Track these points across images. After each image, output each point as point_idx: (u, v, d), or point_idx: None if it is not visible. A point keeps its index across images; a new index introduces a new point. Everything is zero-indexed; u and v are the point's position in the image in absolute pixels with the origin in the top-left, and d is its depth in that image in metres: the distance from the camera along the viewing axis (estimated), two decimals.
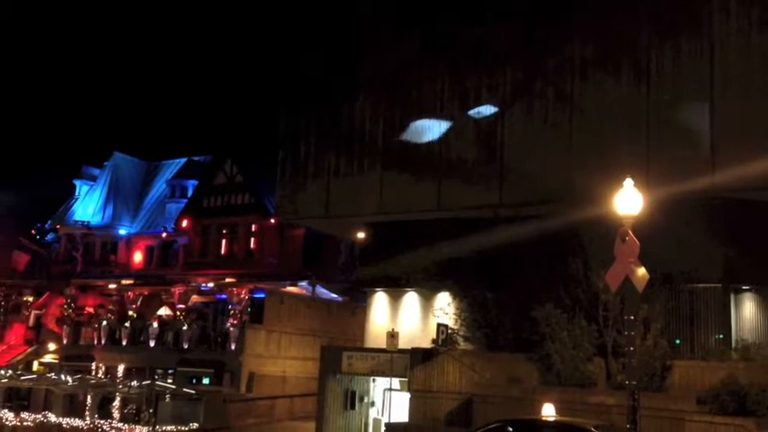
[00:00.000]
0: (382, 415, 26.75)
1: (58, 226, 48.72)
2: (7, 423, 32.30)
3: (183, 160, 49.60)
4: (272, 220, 39.76)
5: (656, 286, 20.47)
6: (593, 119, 24.77)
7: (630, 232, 12.70)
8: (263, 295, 34.90)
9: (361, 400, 28.03)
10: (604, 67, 24.77)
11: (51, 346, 40.17)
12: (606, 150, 24.19)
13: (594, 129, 24.67)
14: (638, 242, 12.71)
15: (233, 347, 33.52)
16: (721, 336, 22.85)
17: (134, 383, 30.87)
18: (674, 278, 22.10)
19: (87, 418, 31.76)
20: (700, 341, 23.01)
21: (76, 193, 51.01)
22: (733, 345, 22.47)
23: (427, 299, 28.58)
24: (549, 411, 17.50)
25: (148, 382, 30.70)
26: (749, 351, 21.47)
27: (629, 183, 13.06)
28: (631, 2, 24.55)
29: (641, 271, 12.74)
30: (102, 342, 37.84)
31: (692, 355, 22.43)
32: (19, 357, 41.07)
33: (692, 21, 23.51)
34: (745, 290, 23.79)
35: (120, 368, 36.34)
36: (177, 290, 37.12)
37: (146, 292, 39.11)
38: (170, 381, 32.79)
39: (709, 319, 23.20)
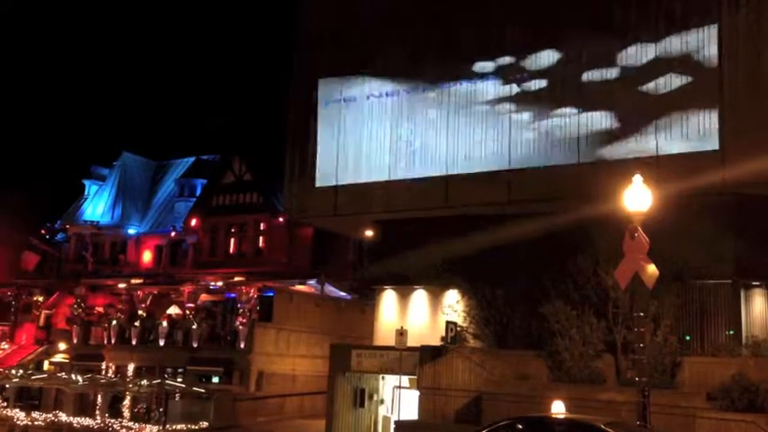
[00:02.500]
0: (391, 413, 26.75)
1: (67, 226, 48.89)
2: (18, 422, 32.48)
3: (192, 159, 49.70)
4: (281, 219, 39.80)
5: (666, 282, 20.35)
6: (601, 114, 24.68)
7: (640, 229, 12.64)
8: (272, 294, 34.96)
9: (371, 397, 28.03)
10: (612, 60, 24.68)
11: (62, 346, 40.35)
12: (615, 146, 24.14)
13: (603, 124, 24.60)
14: (647, 239, 12.66)
15: (242, 346, 33.59)
16: (732, 332, 22.74)
17: (144, 382, 30.98)
18: (683, 274, 21.98)
19: (98, 418, 31.89)
20: (710, 337, 22.90)
21: (86, 193, 51.17)
22: (743, 341, 22.35)
23: (436, 296, 28.55)
24: (558, 408, 17.45)
25: (158, 381, 30.82)
26: (760, 347, 21.34)
27: (638, 179, 12.99)
28: None
29: (651, 268, 12.69)
30: (112, 341, 38.00)
31: (703, 351, 22.33)
32: (30, 357, 41.27)
33: (701, 12, 23.37)
34: (756, 285, 23.65)
35: (130, 367, 36.48)
36: (186, 289, 37.20)
37: (155, 292, 39.22)
38: (180, 379, 32.91)
39: (719, 315, 23.08)
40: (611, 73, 24.63)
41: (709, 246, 22.03)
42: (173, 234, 45.49)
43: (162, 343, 36.35)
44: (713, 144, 22.70)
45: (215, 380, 33.55)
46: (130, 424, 30.65)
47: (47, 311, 43.86)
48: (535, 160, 25.41)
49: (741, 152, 21.65)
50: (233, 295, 36.54)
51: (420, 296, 29.17)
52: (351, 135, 29.90)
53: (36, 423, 32.37)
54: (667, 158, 23.07)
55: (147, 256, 47.32)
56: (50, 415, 33.01)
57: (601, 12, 25.03)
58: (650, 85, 23.89)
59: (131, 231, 47.77)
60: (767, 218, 22.38)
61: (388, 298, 30.01)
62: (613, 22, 24.75)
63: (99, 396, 33.29)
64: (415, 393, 23.98)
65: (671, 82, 23.61)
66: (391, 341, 25.37)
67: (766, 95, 22.05)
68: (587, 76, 25.08)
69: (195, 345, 35.09)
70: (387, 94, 29.20)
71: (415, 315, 28.95)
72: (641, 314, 13.13)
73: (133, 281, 40.40)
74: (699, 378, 20.00)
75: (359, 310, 36.56)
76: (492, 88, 26.94)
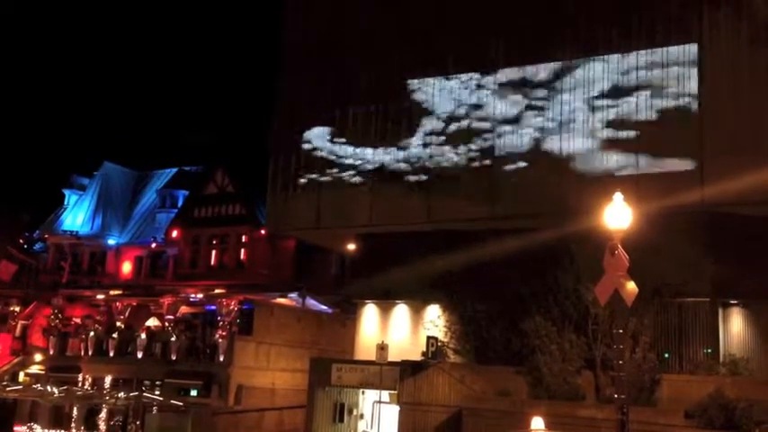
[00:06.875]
0: (371, 428, 26.63)
1: (46, 235, 48.36)
2: None
3: (174, 170, 49.40)
4: (263, 231, 39.61)
5: (645, 300, 20.53)
6: (583, 132, 24.92)
7: (620, 246, 12.73)
8: (252, 307, 34.72)
9: (351, 412, 27.90)
10: (594, 77, 24.93)
11: (38, 357, 39.75)
12: (597, 164, 24.35)
13: (584, 142, 24.83)
14: (627, 256, 12.75)
15: (222, 359, 33.28)
16: (709, 350, 22.94)
17: (121, 395, 30.59)
18: (663, 292, 22.17)
19: (73, 430, 31.44)
20: (688, 355, 23.10)
21: (65, 203, 50.69)
22: (721, 359, 22.56)
23: (417, 311, 28.54)
24: (537, 425, 17.45)
25: (135, 393, 30.45)
26: (737, 365, 21.55)
27: (618, 197, 13.10)
28: (624, 14, 24.74)
29: (630, 285, 12.75)
30: (90, 353, 37.49)
31: (681, 369, 22.52)
32: (5, 368, 40.60)
33: (683, 35, 23.73)
34: (733, 304, 23.90)
35: (107, 379, 35.97)
36: (166, 301, 36.82)
37: (134, 303, 38.78)
38: (157, 392, 32.50)
39: (697, 333, 23.29)
40: (593, 91, 24.90)
41: (688, 264, 22.25)
42: (153, 245, 45.13)
43: (140, 355, 35.91)
44: (692, 164, 22.99)
45: (193, 393, 33.15)
46: None
47: (23, 322, 43.21)
48: (518, 176, 25.56)
49: (719, 172, 21.96)
50: (213, 308, 36.22)
51: (401, 311, 29.14)
52: (334, 149, 29.91)
53: None
54: (647, 177, 23.32)
55: (126, 267, 46.90)
56: (25, 427, 32.49)
57: (584, 30, 25.34)
58: (631, 105, 24.18)
59: (111, 242, 47.34)
60: (745, 237, 22.66)
61: (370, 312, 29.95)
62: (596, 41, 25.04)
63: (75, 408, 32.81)
64: (396, 408, 23.92)
65: (651, 103, 23.90)
66: (372, 356, 25.30)
67: (746, 115, 22.40)
68: (569, 90, 25.33)
69: (174, 357, 34.71)
70: (372, 107, 29.27)
71: (397, 330, 28.91)
72: (620, 331, 13.19)
73: (112, 292, 39.93)
74: (677, 395, 20.14)
75: (340, 324, 36.40)
76: (477, 105, 27.13)
